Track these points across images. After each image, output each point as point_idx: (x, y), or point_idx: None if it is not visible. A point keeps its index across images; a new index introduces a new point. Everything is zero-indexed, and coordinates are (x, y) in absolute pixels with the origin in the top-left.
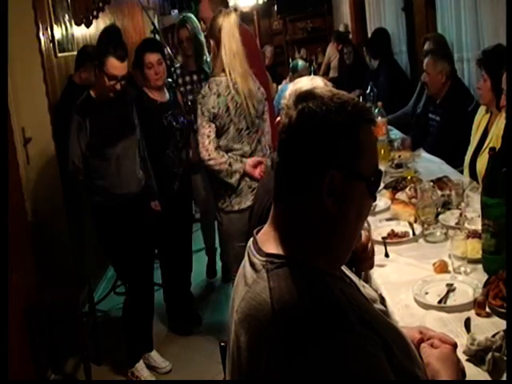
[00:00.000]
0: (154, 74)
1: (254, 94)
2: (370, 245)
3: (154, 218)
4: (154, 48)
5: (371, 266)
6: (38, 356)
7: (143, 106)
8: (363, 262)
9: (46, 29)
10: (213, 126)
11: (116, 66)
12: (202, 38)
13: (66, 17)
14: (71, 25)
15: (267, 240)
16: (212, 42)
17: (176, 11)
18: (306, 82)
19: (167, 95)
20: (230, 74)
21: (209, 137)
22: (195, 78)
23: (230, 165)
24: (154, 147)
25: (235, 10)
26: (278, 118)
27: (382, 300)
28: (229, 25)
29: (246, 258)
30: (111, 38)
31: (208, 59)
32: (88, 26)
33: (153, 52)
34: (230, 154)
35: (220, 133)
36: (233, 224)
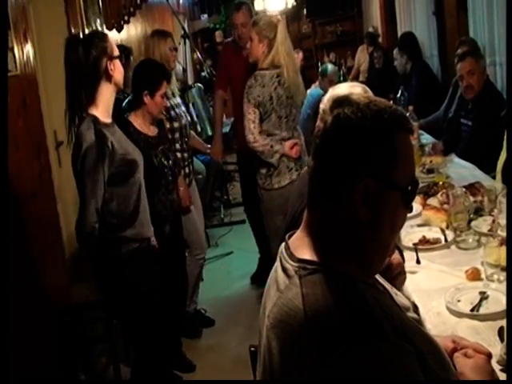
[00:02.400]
0: (163, 106)
1: (298, 88)
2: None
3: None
4: (170, 79)
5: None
6: (68, 356)
7: (131, 140)
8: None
9: (78, 33)
10: (257, 112)
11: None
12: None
13: (98, 21)
14: (102, 29)
15: (300, 245)
16: (265, 41)
17: (206, 16)
18: (344, 88)
19: (156, 128)
20: (286, 69)
21: (254, 122)
22: (178, 100)
23: (271, 146)
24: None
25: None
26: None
27: (415, 308)
28: (283, 28)
29: (277, 262)
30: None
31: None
32: (119, 30)
33: (168, 83)
34: (270, 138)
35: (263, 118)
36: (274, 200)
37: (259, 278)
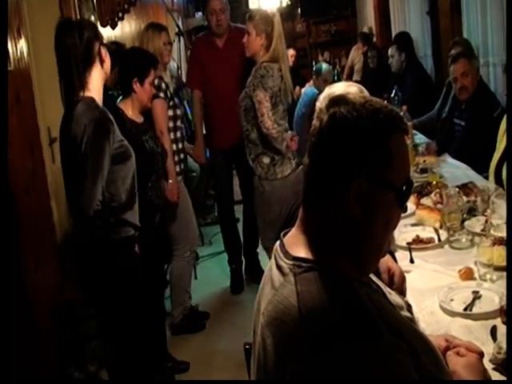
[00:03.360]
0: (152, 94)
1: (290, 83)
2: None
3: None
4: (157, 66)
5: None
6: (62, 354)
7: (123, 128)
8: None
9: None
10: (270, 101)
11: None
12: None
13: (92, 18)
14: (97, 26)
15: (295, 243)
16: (263, 35)
17: (200, 14)
18: (340, 87)
19: (142, 117)
20: (283, 63)
21: (271, 110)
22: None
23: (282, 133)
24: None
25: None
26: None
27: (409, 307)
28: (279, 23)
29: (272, 260)
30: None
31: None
32: (113, 27)
33: (155, 71)
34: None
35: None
36: (275, 190)
37: (235, 289)
